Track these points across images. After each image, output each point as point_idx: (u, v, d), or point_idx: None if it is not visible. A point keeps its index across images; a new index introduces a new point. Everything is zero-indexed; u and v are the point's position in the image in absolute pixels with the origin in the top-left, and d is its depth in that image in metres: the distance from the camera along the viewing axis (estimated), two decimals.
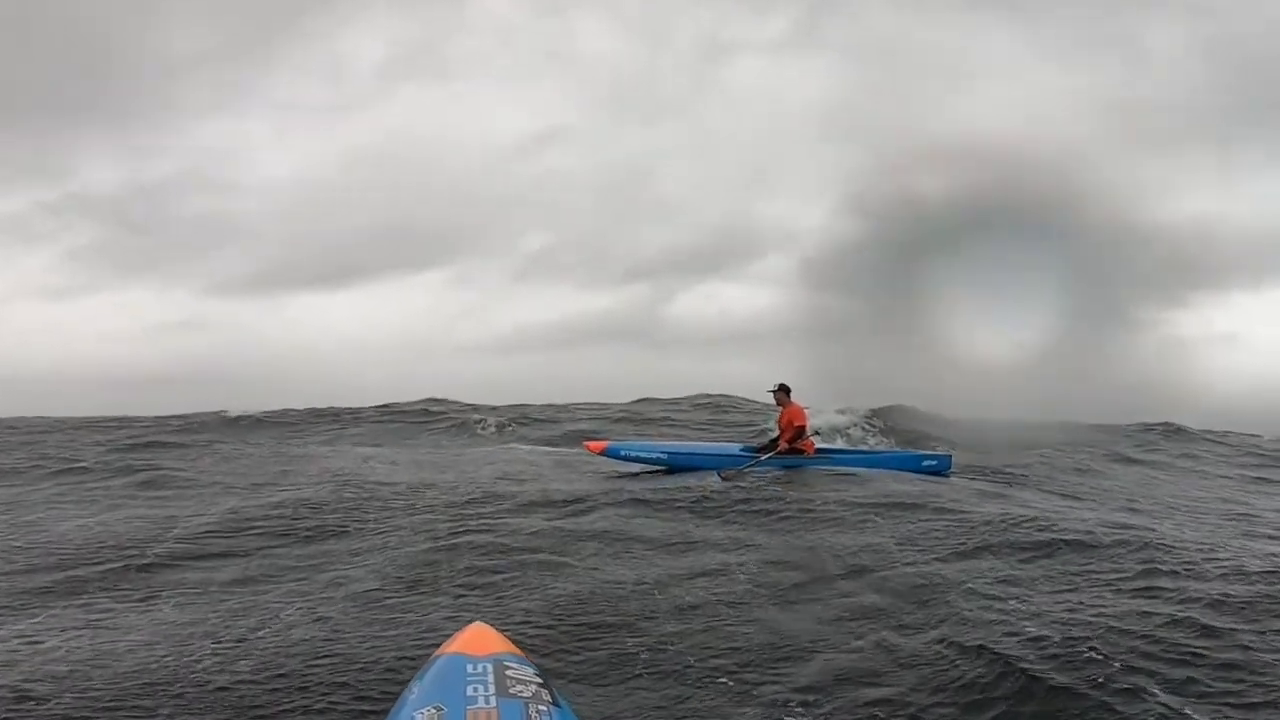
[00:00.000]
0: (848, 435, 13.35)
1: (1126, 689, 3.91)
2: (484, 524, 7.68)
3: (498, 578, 6.14)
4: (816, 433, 12.37)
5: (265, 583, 6.20)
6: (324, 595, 5.84)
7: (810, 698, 4.20)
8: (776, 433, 11.71)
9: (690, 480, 9.77)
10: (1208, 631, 4.54)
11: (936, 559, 6.23)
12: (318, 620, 5.28)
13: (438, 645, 3.55)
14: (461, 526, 7.60)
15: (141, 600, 5.84)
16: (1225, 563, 5.80)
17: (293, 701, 4.18)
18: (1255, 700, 3.85)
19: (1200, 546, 6.35)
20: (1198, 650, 4.32)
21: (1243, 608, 4.88)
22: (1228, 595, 5.05)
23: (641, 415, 20.40)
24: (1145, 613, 4.82)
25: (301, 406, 22.25)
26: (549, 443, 16.03)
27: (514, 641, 3.68)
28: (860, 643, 4.78)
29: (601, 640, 4.98)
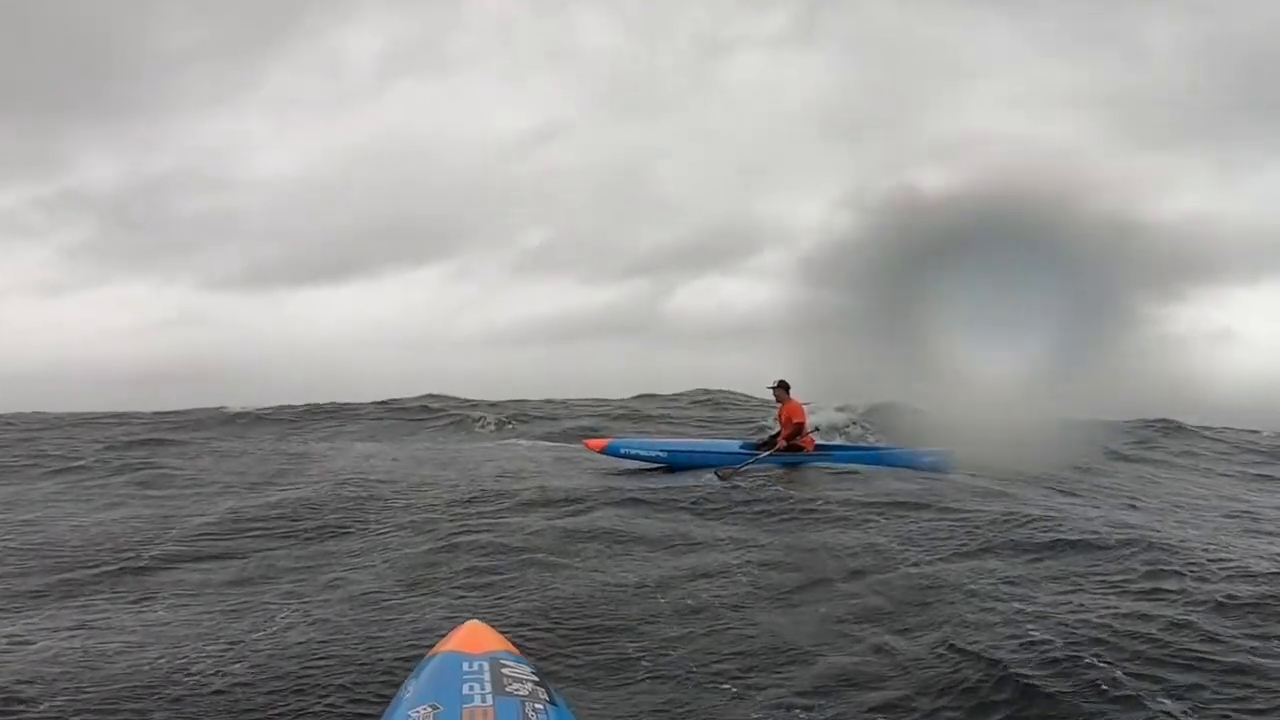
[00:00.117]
0: (846, 433, 13.33)
1: (1130, 695, 3.87)
2: (483, 523, 7.65)
3: (496, 577, 6.12)
4: (816, 429, 12.35)
5: (262, 583, 6.18)
6: (321, 596, 5.82)
7: (810, 700, 4.17)
8: (776, 429, 11.69)
9: (690, 479, 9.75)
10: (1213, 635, 4.50)
11: (939, 559, 6.20)
12: (315, 621, 5.25)
13: (434, 644, 3.53)
14: (460, 526, 7.58)
15: (136, 601, 5.81)
16: (1230, 563, 5.75)
17: (288, 704, 4.15)
18: (1262, 706, 3.81)
19: (1204, 546, 6.31)
20: (1203, 654, 4.28)
21: (1249, 610, 4.84)
22: (1233, 597, 5.01)
23: (641, 412, 20.37)
24: (1150, 615, 4.78)
25: (300, 403, 22.24)
26: (549, 439, 16.01)
27: (510, 640, 3.66)
28: (861, 645, 4.75)
29: (599, 640, 4.96)
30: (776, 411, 11.89)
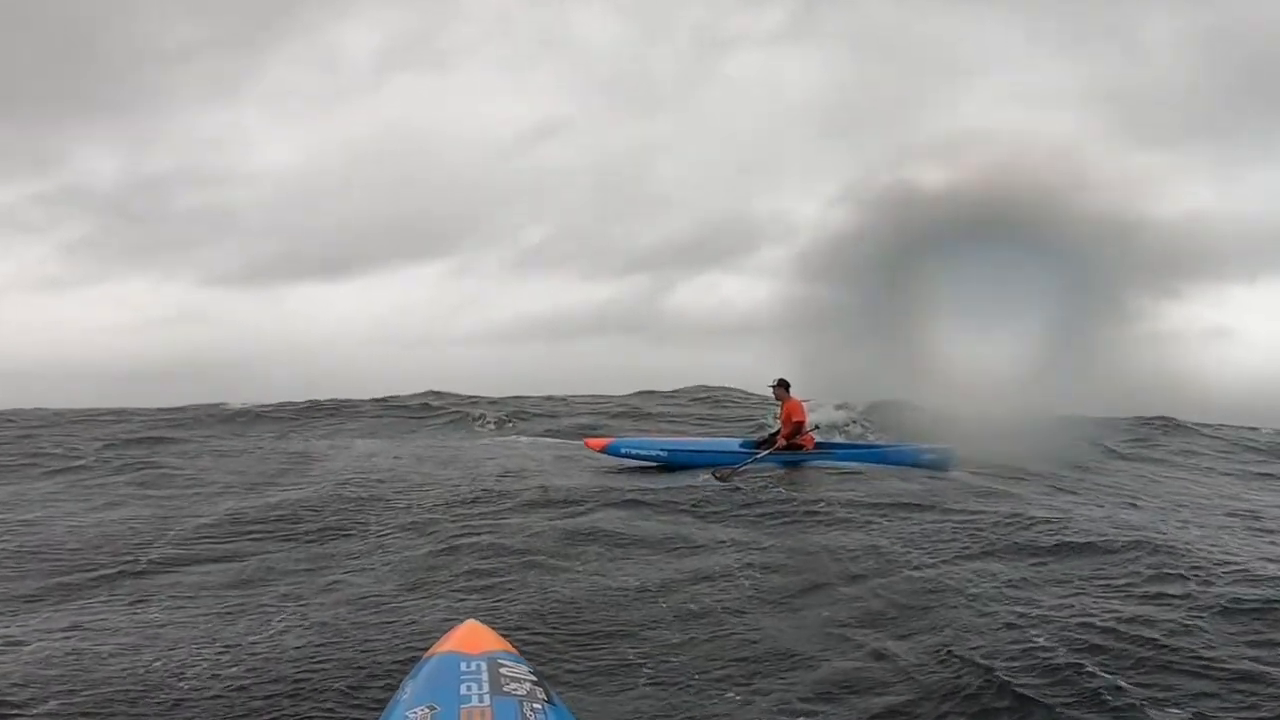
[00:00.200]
0: (846, 431, 13.33)
1: (1134, 704, 3.84)
2: (483, 524, 7.63)
3: (495, 579, 6.10)
4: (816, 427, 12.35)
5: (260, 585, 6.15)
6: (321, 597, 5.79)
7: (811, 706, 4.15)
8: (776, 428, 11.69)
9: (691, 479, 9.74)
10: (1218, 640, 4.47)
11: (941, 562, 6.17)
12: (313, 623, 5.23)
13: (432, 645, 3.53)
14: (461, 527, 7.56)
15: (133, 603, 5.78)
16: (1234, 566, 5.71)
17: (285, 707, 4.13)
18: (1268, 715, 3.78)
19: (1208, 548, 6.27)
20: (1208, 660, 4.24)
21: (1254, 615, 4.80)
22: (1238, 601, 4.97)
23: (641, 410, 20.34)
24: (1154, 620, 4.74)
25: (301, 399, 22.21)
26: (549, 436, 16.00)
27: (508, 640, 3.66)
28: (862, 650, 4.72)
29: (599, 642, 4.94)
30: (777, 410, 11.89)
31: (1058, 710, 3.85)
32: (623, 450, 11.37)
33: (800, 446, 11.20)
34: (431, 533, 7.42)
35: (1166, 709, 3.82)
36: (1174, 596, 5.12)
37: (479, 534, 7.26)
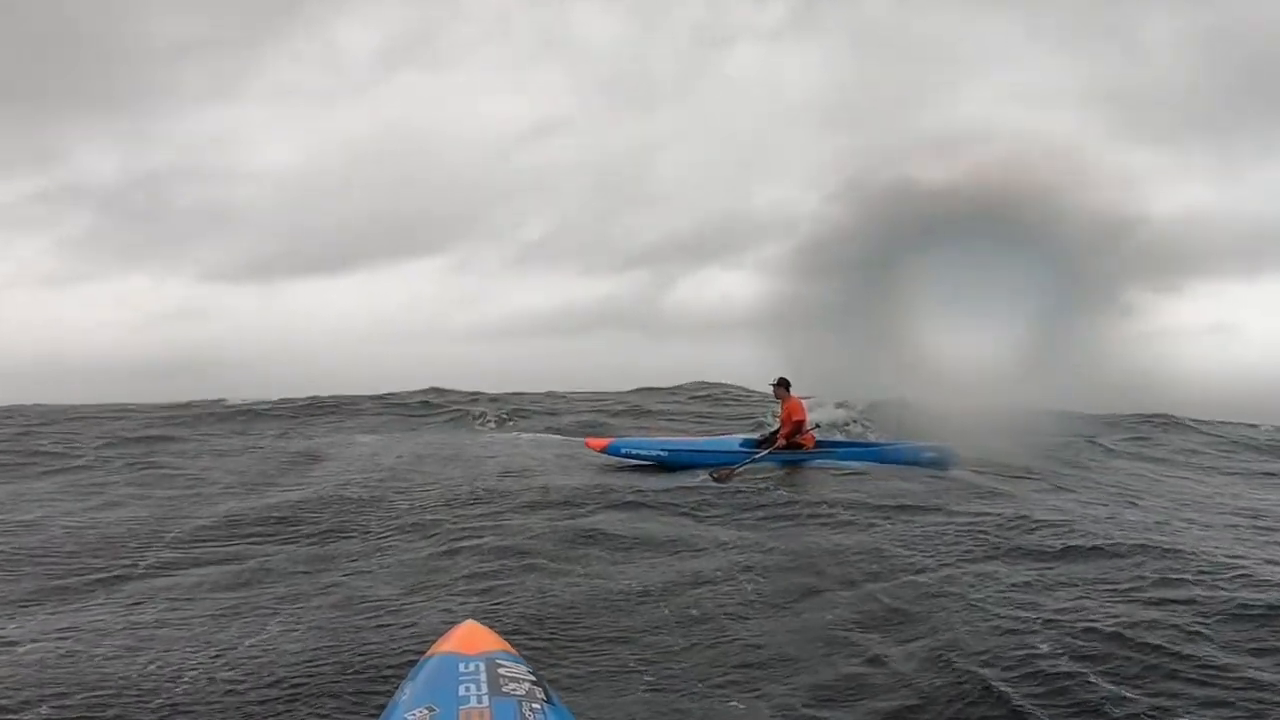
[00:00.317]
0: (846, 430, 13.32)
1: (1139, 714, 3.82)
2: (484, 525, 7.62)
3: (495, 579, 6.08)
4: (816, 426, 12.34)
5: (258, 586, 6.13)
6: (318, 599, 5.77)
7: (811, 710, 4.14)
8: (776, 426, 11.69)
9: (690, 479, 9.73)
10: (1227, 646, 4.44)
11: (943, 565, 6.14)
12: (311, 624, 5.21)
13: (430, 646, 3.53)
14: (461, 528, 7.54)
15: (129, 605, 5.74)
16: (1241, 569, 5.67)
17: (280, 711, 4.12)
18: None
19: (1214, 551, 6.24)
20: (1216, 667, 4.21)
21: (1261, 621, 4.75)
22: (1246, 607, 4.93)
23: (641, 408, 20.33)
24: (1160, 625, 4.71)
25: (302, 396, 22.20)
26: (550, 433, 15.99)
27: (507, 639, 3.66)
28: (863, 654, 4.70)
29: (598, 643, 4.93)
30: (777, 408, 11.88)
31: (1064, 714, 3.83)
32: (623, 450, 11.39)
33: (801, 445, 11.20)
34: (432, 534, 7.40)
35: (1177, 717, 3.79)
36: (1179, 601, 5.08)
37: (479, 535, 7.23)
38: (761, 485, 9.34)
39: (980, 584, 5.64)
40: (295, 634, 5.08)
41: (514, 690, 3.00)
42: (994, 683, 4.17)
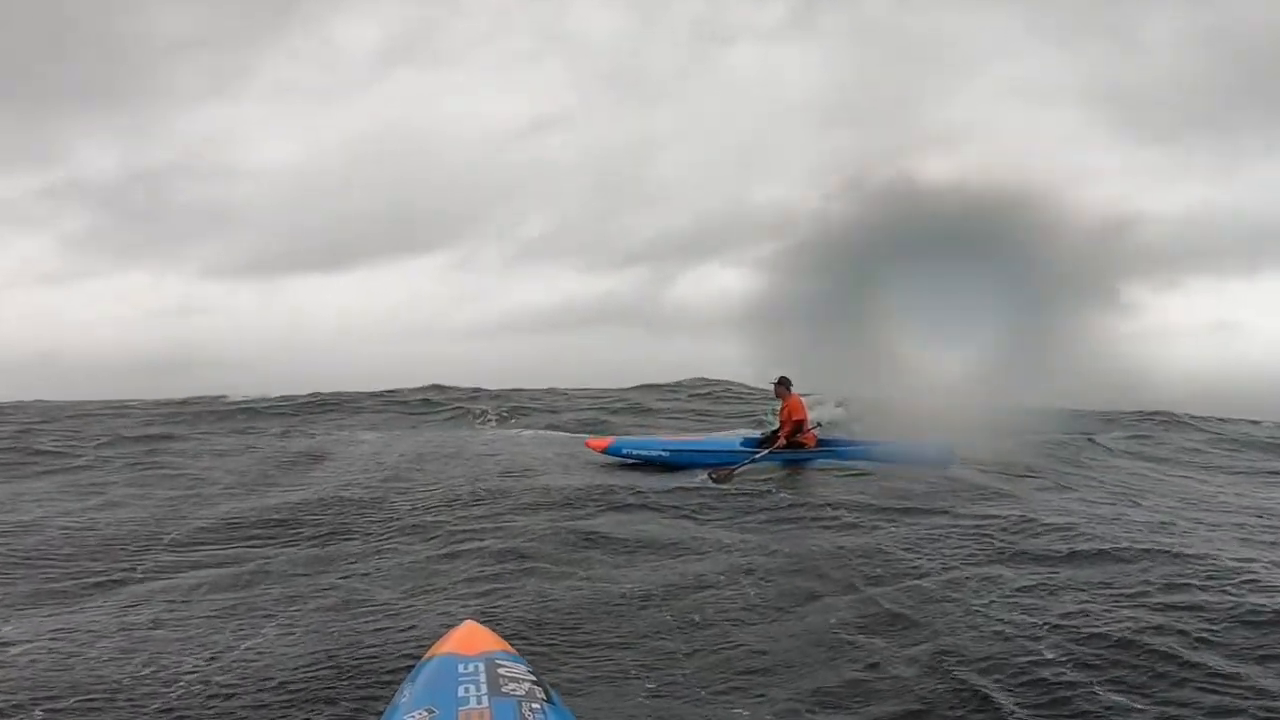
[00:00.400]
0: (846, 429, 13.27)
1: None
2: (484, 526, 7.61)
3: (495, 581, 6.07)
4: (817, 425, 12.32)
5: (257, 588, 6.10)
6: (317, 600, 5.74)
7: (813, 713, 4.13)
8: (776, 425, 11.68)
9: (692, 480, 9.70)
10: (1237, 653, 4.39)
11: (946, 567, 6.11)
12: (310, 626, 5.19)
13: (430, 647, 3.52)
14: (461, 528, 7.53)
15: (125, 607, 5.70)
16: (1249, 573, 5.61)
17: (278, 714, 4.09)
18: None
19: (1220, 553, 6.18)
20: (1225, 675, 4.16)
21: (1271, 626, 4.71)
22: (1256, 611, 4.88)
23: (641, 405, 20.31)
24: (1168, 631, 4.67)
25: (302, 393, 22.20)
26: (551, 430, 15.98)
27: (506, 639, 3.65)
28: (863, 658, 4.68)
29: (598, 645, 4.92)
30: (777, 406, 11.87)
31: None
32: (624, 450, 11.40)
33: (802, 445, 11.19)
34: (432, 535, 7.37)
35: None
36: (1186, 607, 5.03)
37: (480, 536, 7.22)
38: (762, 486, 9.31)
39: (984, 588, 5.61)
40: (294, 636, 5.06)
41: (514, 690, 3.00)
42: (998, 690, 4.14)
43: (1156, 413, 18.14)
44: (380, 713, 3.37)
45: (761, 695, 4.33)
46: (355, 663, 4.63)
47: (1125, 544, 6.37)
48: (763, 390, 15.25)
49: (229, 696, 4.26)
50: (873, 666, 4.57)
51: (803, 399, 11.62)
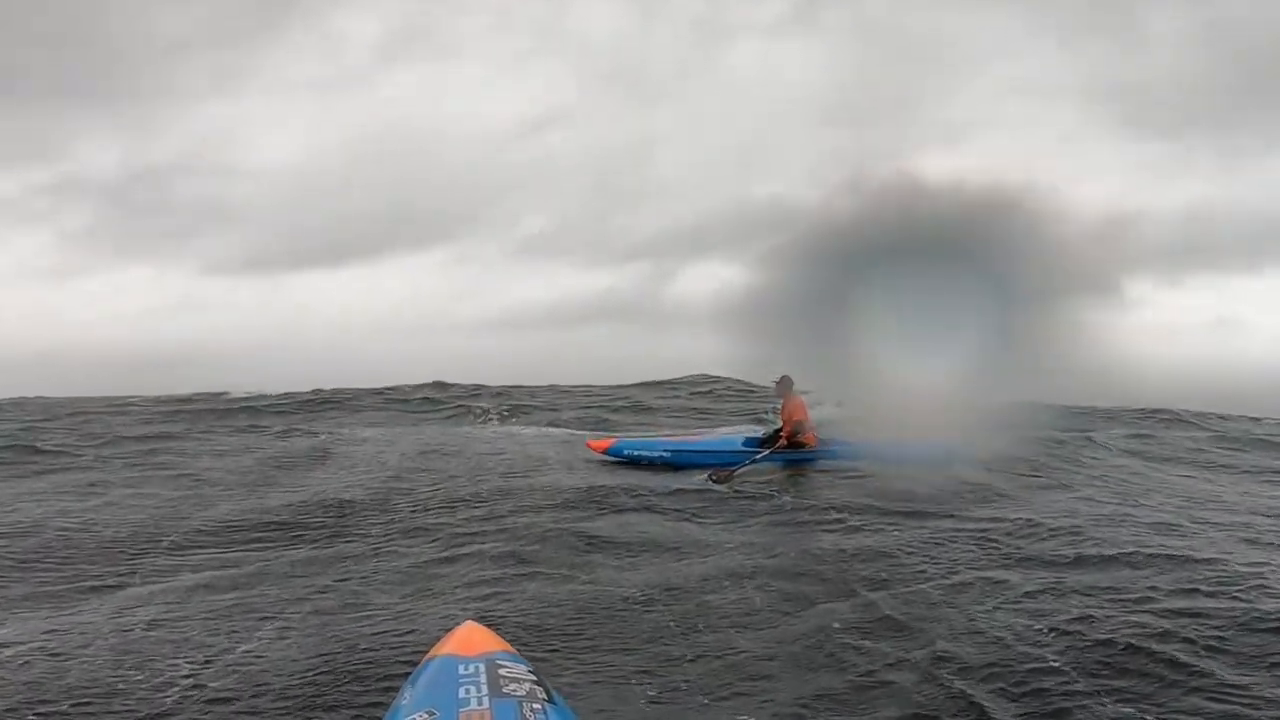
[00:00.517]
0: (848, 429, 13.23)
1: None
2: (485, 526, 7.59)
3: (495, 582, 6.06)
4: (818, 425, 12.29)
5: (256, 589, 6.07)
6: (317, 603, 5.72)
7: (813, 718, 4.12)
8: (778, 424, 11.67)
9: (692, 481, 9.69)
10: (1247, 660, 4.34)
11: (950, 571, 6.08)
12: (309, 629, 5.18)
13: (431, 648, 3.52)
14: (462, 529, 7.52)
15: (123, 610, 5.66)
16: (1260, 576, 5.56)
17: (276, 718, 4.08)
18: None
19: (1230, 557, 6.12)
20: (1235, 682, 4.12)
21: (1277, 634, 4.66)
22: (1267, 616, 4.84)
23: (642, 404, 20.31)
24: (1175, 637, 4.63)
25: (303, 389, 22.18)
26: (553, 427, 16.00)
27: (507, 639, 3.65)
28: (866, 663, 4.66)
29: (599, 651, 4.90)
30: (778, 405, 11.86)
31: None
32: (625, 452, 11.39)
33: (803, 445, 11.18)
34: (433, 537, 7.36)
35: None
36: (1194, 613, 4.99)
37: (481, 538, 7.20)
38: (764, 488, 9.29)
39: (988, 593, 5.57)
40: (294, 639, 5.04)
41: (514, 691, 3.00)
42: (1002, 698, 4.11)
43: (1157, 410, 18.10)
44: (381, 715, 3.37)
45: (763, 701, 4.31)
46: (355, 665, 4.62)
47: (1131, 548, 6.33)
48: (764, 388, 15.23)
49: (227, 700, 4.24)
50: (876, 673, 4.54)
51: (804, 399, 11.61)
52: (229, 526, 7.83)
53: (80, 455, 12.08)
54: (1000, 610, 5.23)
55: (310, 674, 4.52)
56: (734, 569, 6.34)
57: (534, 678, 3.15)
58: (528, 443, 13.37)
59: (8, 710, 4.11)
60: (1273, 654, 4.45)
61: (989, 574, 5.97)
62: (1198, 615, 4.94)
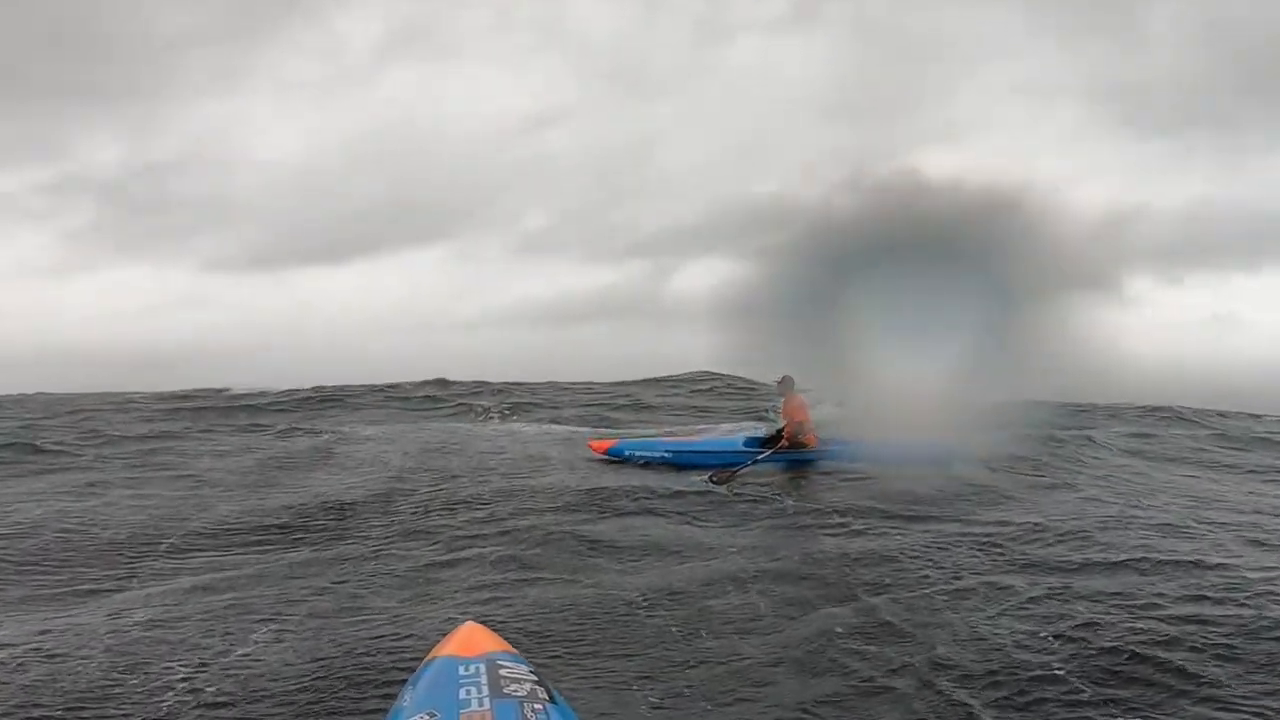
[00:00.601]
0: (847, 429, 13.21)
1: None
2: (486, 528, 7.58)
3: (496, 587, 6.04)
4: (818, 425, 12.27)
5: (255, 590, 6.05)
6: (317, 604, 5.71)
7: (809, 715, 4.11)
8: (777, 423, 11.66)
9: (694, 483, 9.68)
10: (1256, 667, 4.30)
11: (954, 576, 6.05)
12: (309, 631, 5.17)
13: (431, 649, 3.52)
14: (463, 530, 7.51)
15: (120, 611, 5.63)
16: (1270, 581, 5.51)
17: None
18: None
19: (1238, 562, 6.07)
20: (1244, 690, 4.08)
21: None
22: (1277, 623, 4.80)
23: (643, 402, 20.30)
24: (1182, 644, 4.59)
25: (304, 385, 22.19)
26: (555, 424, 16.00)
27: (507, 639, 3.65)
28: (869, 669, 4.63)
29: (600, 656, 4.89)
30: (778, 404, 11.85)
31: None
32: (626, 453, 11.38)
33: (804, 445, 11.16)
34: (435, 539, 7.34)
35: None
36: (1202, 619, 4.94)
37: (482, 540, 7.18)
38: (766, 490, 9.26)
39: (993, 598, 5.53)
40: (294, 641, 5.02)
41: (515, 691, 2.99)
42: (1007, 707, 4.09)
43: (1158, 408, 18.08)
44: (381, 718, 3.36)
45: (766, 708, 4.29)
46: (356, 667, 4.61)
47: (1137, 552, 6.29)
48: (764, 386, 15.21)
49: (224, 705, 4.22)
50: (878, 680, 4.52)
51: (804, 398, 11.59)
52: (229, 528, 7.80)
53: (80, 455, 12.04)
54: (1005, 616, 5.20)
55: (309, 678, 4.50)
56: (736, 573, 6.31)
57: (535, 678, 3.15)
58: (529, 441, 13.36)
59: (3, 715, 4.09)
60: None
61: (993, 579, 5.93)
62: (1206, 622, 4.90)
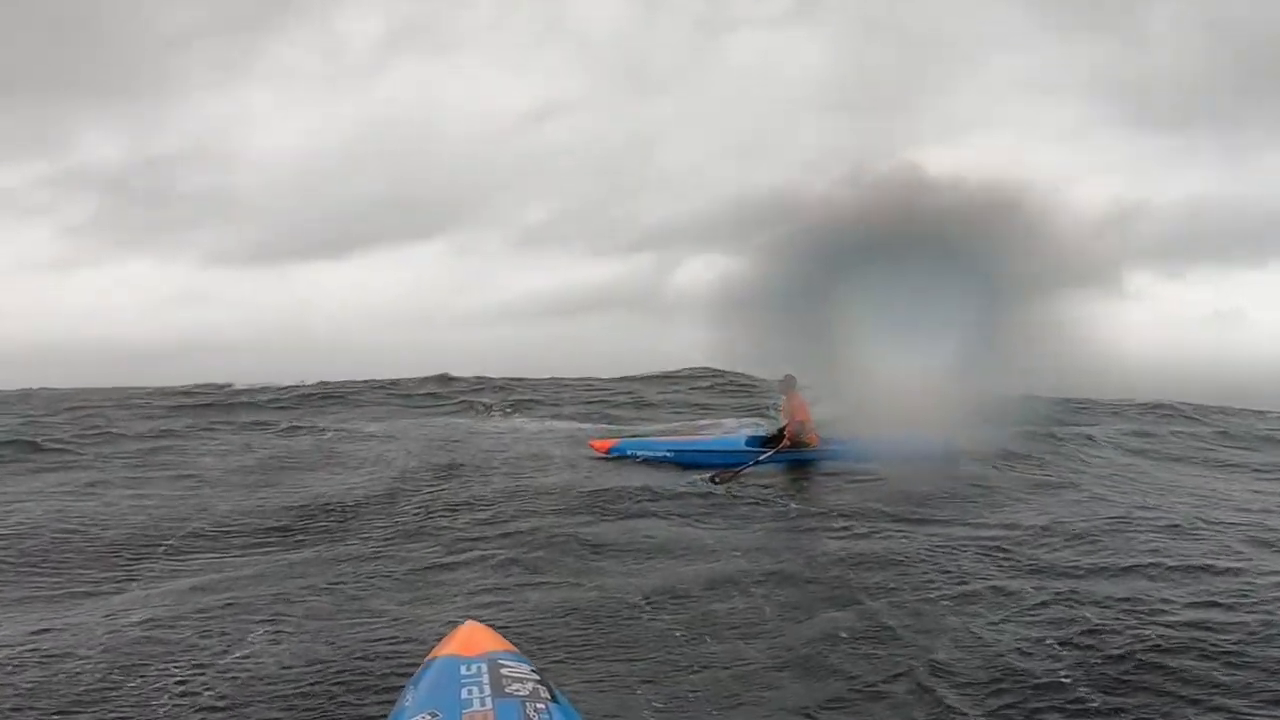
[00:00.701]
0: (845, 427, 13.19)
1: None
2: (486, 528, 7.58)
3: (497, 587, 6.04)
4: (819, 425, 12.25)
5: (254, 590, 6.03)
6: (317, 604, 5.70)
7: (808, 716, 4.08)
8: (779, 422, 11.64)
9: (695, 483, 9.67)
10: (1267, 672, 4.26)
11: (958, 579, 6.01)
12: (310, 631, 5.15)
13: (433, 648, 3.51)
14: (465, 533, 7.49)
15: (119, 612, 5.61)
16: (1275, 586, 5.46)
17: None
18: None
19: (1249, 566, 6.02)
20: (1254, 696, 4.04)
21: None
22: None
23: (644, 399, 20.28)
24: (1191, 650, 4.55)
25: (306, 381, 22.18)
26: (557, 420, 16.00)
27: (509, 639, 3.64)
28: (871, 673, 4.61)
29: (602, 659, 4.87)
30: (779, 402, 11.83)
31: None
32: (628, 452, 11.38)
33: (806, 444, 11.14)
34: (436, 539, 7.33)
35: None
36: (1211, 624, 4.89)
37: (483, 540, 7.17)
38: (768, 491, 9.23)
39: (998, 603, 5.50)
40: (295, 642, 5.01)
41: (517, 691, 2.99)
42: (1014, 712, 4.06)
43: (1160, 404, 18.03)
44: (383, 718, 3.36)
45: (770, 712, 4.27)
46: (357, 668, 4.60)
47: (1145, 556, 6.25)
48: (765, 383, 15.18)
49: (226, 706, 4.20)
50: (882, 685, 4.49)
51: (803, 398, 11.57)
52: (230, 529, 7.77)
53: (81, 453, 12.00)
54: (1010, 622, 5.16)
55: (309, 679, 4.48)
56: (740, 575, 6.28)
57: (537, 677, 3.14)
58: (531, 439, 13.35)
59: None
60: None
61: (998, 583, 5.89)
62: (1216, 628, 4.85)
